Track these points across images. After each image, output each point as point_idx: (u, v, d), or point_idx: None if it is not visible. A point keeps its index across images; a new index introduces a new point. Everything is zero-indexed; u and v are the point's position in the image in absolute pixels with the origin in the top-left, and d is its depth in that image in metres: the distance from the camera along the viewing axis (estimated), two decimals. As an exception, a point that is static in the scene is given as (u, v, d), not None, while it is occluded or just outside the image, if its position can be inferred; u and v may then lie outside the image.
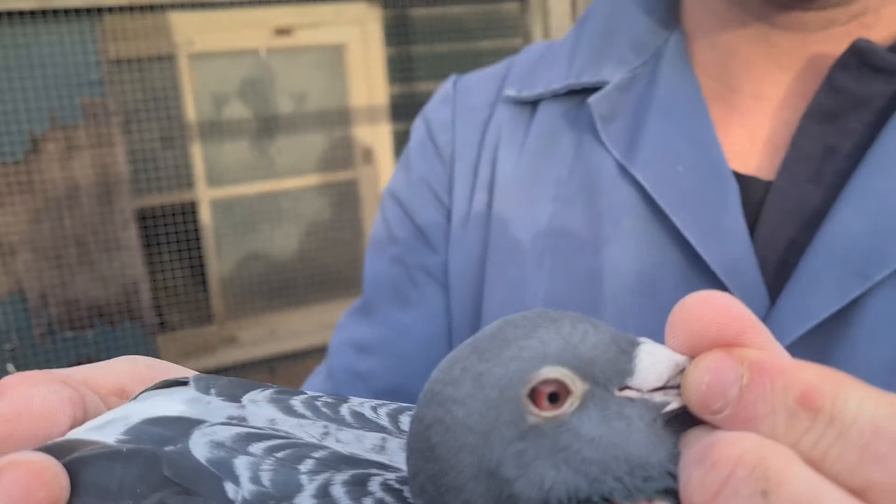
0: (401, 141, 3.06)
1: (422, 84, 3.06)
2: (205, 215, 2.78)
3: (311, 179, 2.91)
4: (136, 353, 1.38)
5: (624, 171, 0.51)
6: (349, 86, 2.90)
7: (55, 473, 0.25)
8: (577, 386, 0.23)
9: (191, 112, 2.69)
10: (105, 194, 1.50)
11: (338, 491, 0.25)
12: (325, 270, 2.94)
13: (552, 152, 0.55)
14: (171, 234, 2.48)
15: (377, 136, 2.96)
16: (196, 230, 2.66)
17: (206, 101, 2.72)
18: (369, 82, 2.92)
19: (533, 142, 0.56)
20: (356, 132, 2.95)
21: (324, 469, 0.26)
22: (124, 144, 1.62)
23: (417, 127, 0.64)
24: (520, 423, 0.23)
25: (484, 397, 0.23)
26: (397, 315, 0.64)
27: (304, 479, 0.26)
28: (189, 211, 2.65)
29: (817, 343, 0.44)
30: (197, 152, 2.74)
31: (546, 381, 0.23)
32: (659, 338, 0.26)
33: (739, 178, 0.48)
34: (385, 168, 3.00)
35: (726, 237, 0.47)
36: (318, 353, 3.01)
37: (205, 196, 2.77)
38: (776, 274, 0.47)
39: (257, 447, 0.27)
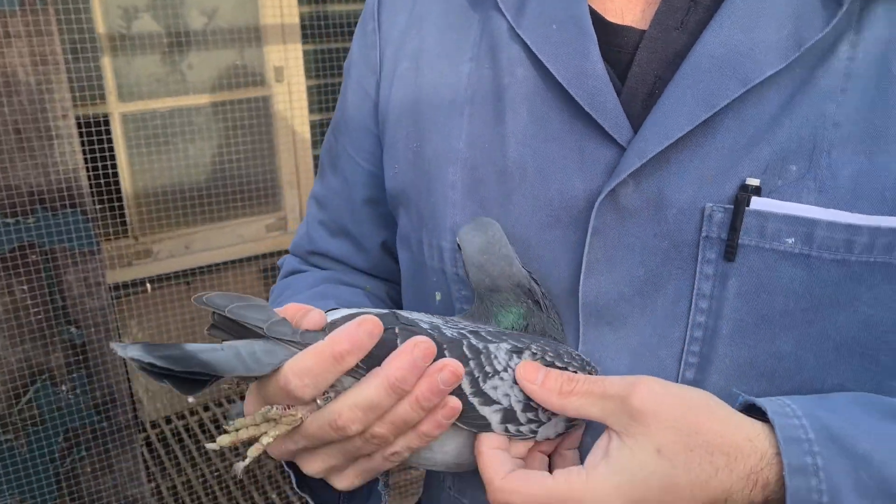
0: (312, 60, 3.13)
1: (333, 4, 3.13)
2: (117, 129, 2.79)
3: (224, 96, 2.95)
4: (78, 239, 1.55)
5: (514, 31, 0.61)
6: (260, 3, 2.95)
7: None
8: None
9: (100, 25, 2.68)
10: (44, 82, 1.55)
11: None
12: (240, 186, 3.01)
13: (468, 21, 0.65)
14: (84, 145, 2.49)
15: (289, 54, 3.02)
16: (109, 143, 2.69)
17: (115, 15, 2.72)
18: (281, 0, 2.97)
19: (452, 15, 0.67)
20: (268, 50, 3.00)
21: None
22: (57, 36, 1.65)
23: (363, 13, 0.77)
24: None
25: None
26: (331, 179, 0.81)
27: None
28: (101, 124, 2.66)
29: (676, 158, 0.54)
30: (107, 65, 2.74)
31: None
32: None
33: (618, 28, 0.58)
34: (297, 86, 3.07)
35: (589, 78, 0.57)
36: (234, 266, 3.10)
37: (116, 110, 2.78)
38: (644, 104, 0.56)
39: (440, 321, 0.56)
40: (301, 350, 0.52)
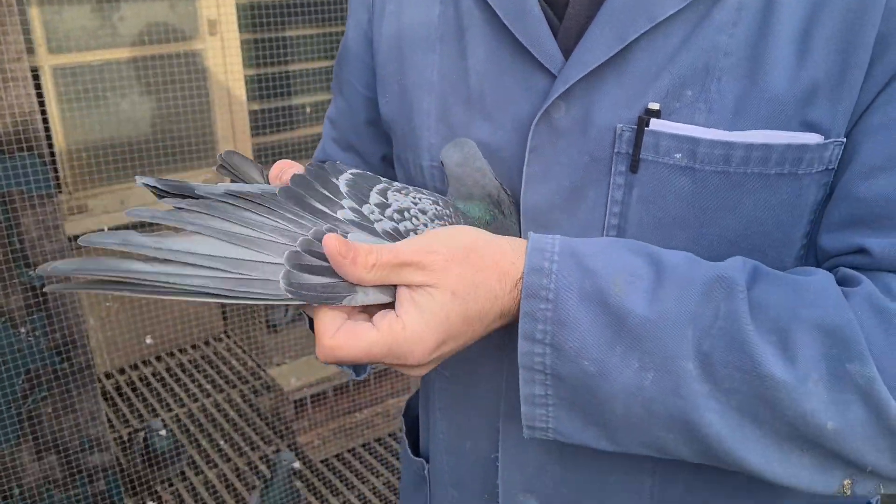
0: (246, 14, 3.13)
1: (265, -42, 3.13)
2: (48, 82, 2.75)
3: (156, 49, 2.93)
4: (36, 182, 1.61)
5: None
6: (192, -44, 2.93)
7: None
8: None
9: (27, -27, 2.62)
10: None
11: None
12: (175, 141, 3.01)
13: None
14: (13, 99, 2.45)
15: (222, 8, 3.02)
16: (40, 98, 2.65)
17: (42, -37, 2.66)
18: (212, -47, 2.96)
19: None
20: (200, 4, 2.99)
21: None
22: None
23: None
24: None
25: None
26: (339, 102, 0.91)
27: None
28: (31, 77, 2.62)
29: (598, 85, 0.64)
30: (36, 17, 2.69)
31: None
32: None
33: None
34: (230, 41, 3.08)
35: (528, 18, 0.66)
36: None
37: (46, 62, 2.73)
38: (577, 40, 0.65)
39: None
40: None
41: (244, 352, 3.28)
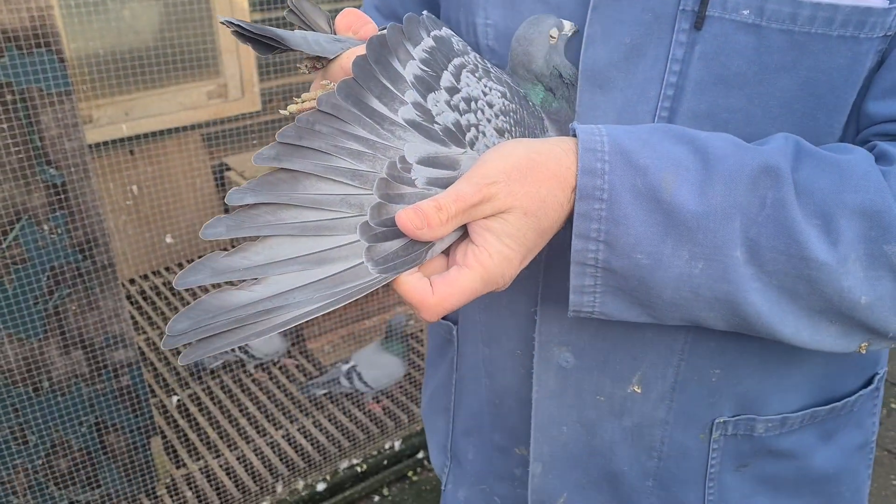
0: (246, -80, 3.06)
1: None
2: (49, -11, 2.71)
3: (157, -44, 2.89)
4: (55, 79, 1.62)
5: None
6: None
7: None
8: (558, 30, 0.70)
9: None
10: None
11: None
12: (178, 51, 2.98)
13: None
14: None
15: (222, -87, 2.96)
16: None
17: None
18: None
19: None
20: None
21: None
22: None
23: None
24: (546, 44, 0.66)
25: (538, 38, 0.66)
26: None
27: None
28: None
29: None
30: (34, -80, 2.63)
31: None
32: None
33: None
34: (232, -52, 3.02)
35: None
36: (176, 133, 3.11)
37: (46, -32, 2.69)
38: None
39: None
40: None
41: (252, 263, 3.33)
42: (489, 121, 0.63)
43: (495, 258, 0.58)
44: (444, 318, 0.99)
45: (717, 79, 0.66)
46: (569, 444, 0.85)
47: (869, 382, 0.85)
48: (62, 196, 1.77)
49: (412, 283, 0.57)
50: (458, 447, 1.01)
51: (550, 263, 0.78)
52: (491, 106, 0.63)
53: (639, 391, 0.79)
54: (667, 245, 0.59)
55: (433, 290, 0.57)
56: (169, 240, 3.03)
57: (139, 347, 2.82)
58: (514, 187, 0.57)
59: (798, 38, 0.63)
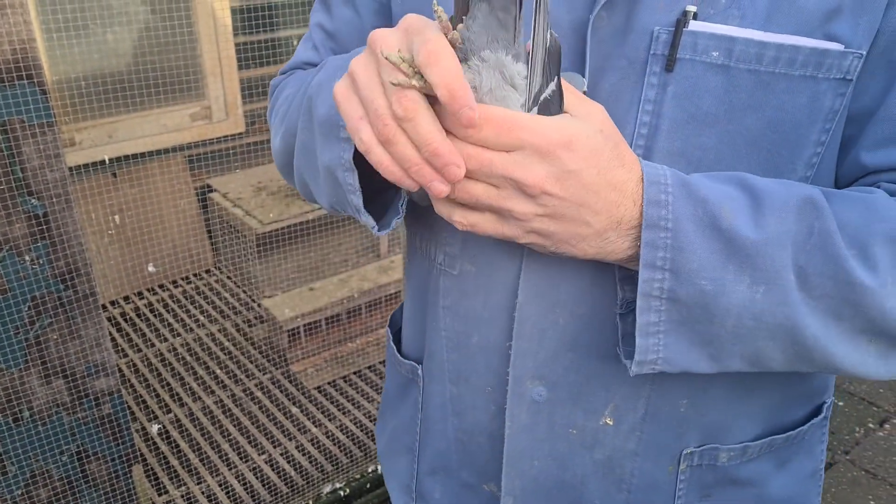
0: (230, -56, 3.08)
1: None
2: (32, 12, 2.71)
3: (141, -20, 2.90)
4: (36, 111, 1.61)
5: None
6: None
7: None
8: None
9: None
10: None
11: None
12: (161, 74, 3.00)
13: None
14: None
15: (206, -63, 2.97)
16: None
17: None
18: None
19: None
20: (184, -67, 2.94)
21: None
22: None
23: None
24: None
25: None
26: (342, 10, 0.91)
27: None
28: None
29: (629, 2, 0.68)
30: (17, -56, 2.64)
31: None
32: None
33: None
34: (215, -28, 3.04)
35: None
36: (159, 155, 3.12)
37: (29, -7, 2.70)
38: None
39: None
40: None
41: (236, 285, 3.33)
42: None
43: (576, 121, 0.63)
44: (407, 359, 1.00)
45: (690, 118, 0.69)
46: (540, 478, 0.86)
47: (818, 411, 0.89)
48: (43, 226, 1.77)
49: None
50: (424, 487, 1.01)
51: (527, 300, 0.79)
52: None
53: (611, 423, 0.81)
54: (728, 271, 0.63)
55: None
56: (151, 269, 3.04)
57: (120, 370, 2.81)
58: (599, 115, 0.64)
59: (764, 77, 0.67)
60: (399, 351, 1.03)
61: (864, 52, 0.67)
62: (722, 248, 0.63)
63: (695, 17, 0.67)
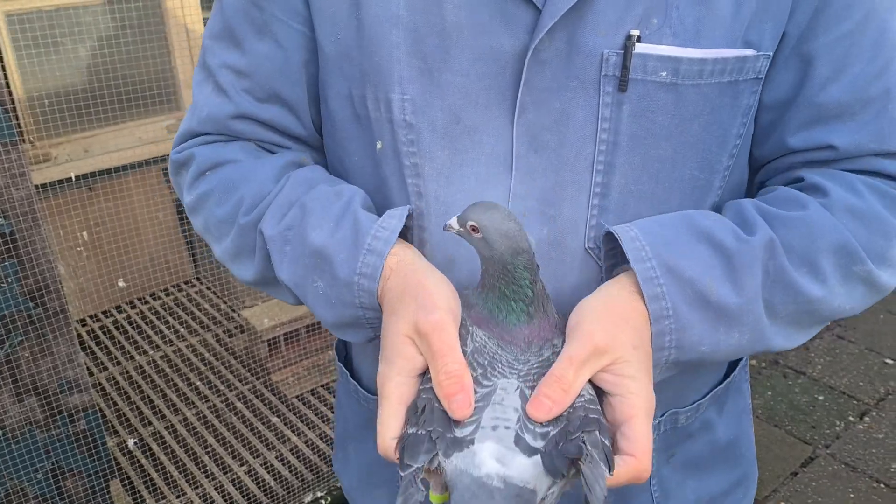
0: (201, -44, 3.08)
1: None
2: (2, 30, 2.71)
3: (111, -6, 2.90)
4: None
5: None
6: None
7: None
8: None
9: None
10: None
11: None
12: (135, 87, 2.99)
13: None
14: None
15: (176, -51, 2.97)
16: (-5, 45, 2.62)
17: None
18: None
19: None
20: (154, -55, 2.94)
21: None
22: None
23: None
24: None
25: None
26: (258, 46, 0.82)
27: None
28: (-15, 25, 2.58)
29: (578, 18, 0.70)
30: (-15, -38, 2.64)
31: None
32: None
33: None
34: (187, -17, 3.04)
35: None
36: (136, 169, 3.11)
37: (0, 9, 2.69)
38: None
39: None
40: None
41: (216, 295, 3.33)
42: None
43: (642, 392, 0.66)
44: (372, 393, 0.96)
45: (647, 133, 0.74)
46: None
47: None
48: (11, 245, 1.77)
49: (619, 471, 0.63)
50: None
51: None
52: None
53: None
54: (720, 333, 0.71)
55: (635, 453, 0.63)
56: (122, 284, 3.03)
57: (98, 385, 2.81)
58: (613, 331, 0.66)
59: (703, 89, 0.73)
60: (361, 385, 0.99)
61: (771, 53, 0.74)
62: (713, 317, 0.70)
63: (640, 38, 0.71)
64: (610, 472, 0.59)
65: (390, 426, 0.65)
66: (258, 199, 0.82)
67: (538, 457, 0.60)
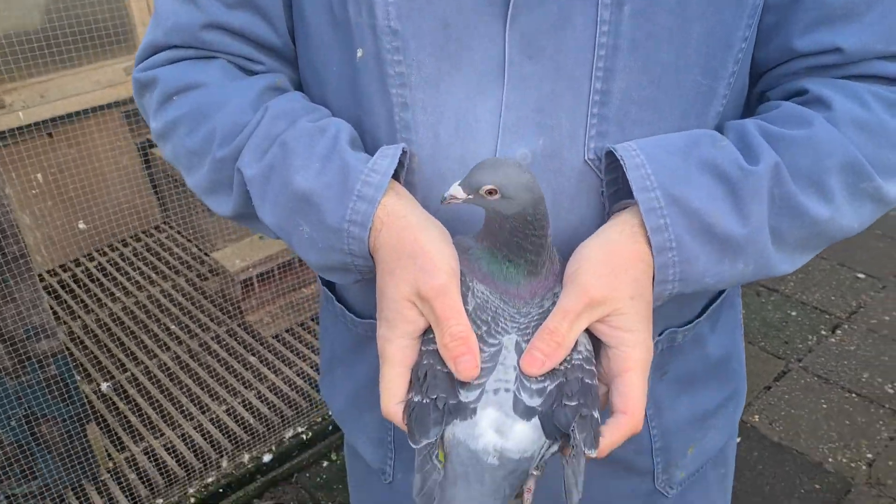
0: None
1: None
2: (-58, -29, 2.60)
3: (56, -70, 2.77)
4: None
5: None
6: None
7: None
8: None
9: None
10: None
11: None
12: (88, 28, 2.89)
13: None
14: None
15: None
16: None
17: None
18: None
19: None
20: None
21: None
22: None
23: None
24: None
25: None
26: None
27: None
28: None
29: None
30: None
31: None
32: None
33: None
34: (135, -84, 2.91)
35: None
36: (96, 113, 3.03)
37: (-63, -51, 2.57)
38: None
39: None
40: None
41: (187, 239, 3.29)
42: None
43: (639, 345, 0.65)
44: (362, 317, 0.93)
45: (648, 35, 0.69)
46: None
47: None
48: (-38, 190, 1.72)
49: (612, 433, 0.63)
50: (402, 434, 0.97)
51: None
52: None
53: None
54: (725, 264, 0.70)
55: (626, 410, 0.63)
56: (82, 226, 2.98)
57: (73, 334, 2.79)
58: (611, 281, 0.65)
59: None
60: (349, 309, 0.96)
61: None
62: (718, 248, 0.68)
63: None
64: (594, 449, 0.61)
65: (395, 391, 0.65)
66: (234, 131, 0.75)
67: (536, 419, 0.60)
